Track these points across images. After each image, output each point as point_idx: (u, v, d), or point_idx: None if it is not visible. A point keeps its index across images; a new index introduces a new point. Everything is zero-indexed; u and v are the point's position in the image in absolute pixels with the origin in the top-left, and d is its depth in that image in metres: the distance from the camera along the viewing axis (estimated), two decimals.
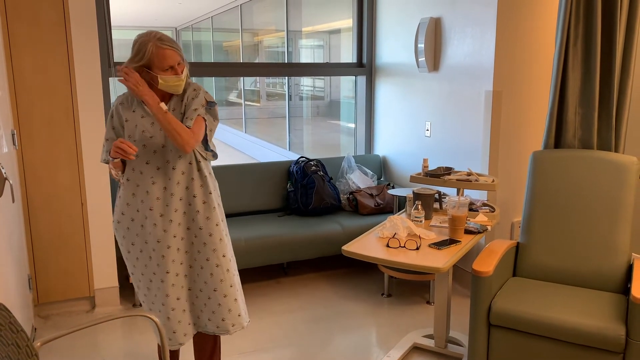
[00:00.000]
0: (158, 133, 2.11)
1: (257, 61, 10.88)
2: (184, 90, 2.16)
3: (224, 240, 2.23)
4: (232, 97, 13.08)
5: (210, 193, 2.19)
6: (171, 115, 2.03)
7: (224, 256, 2.22)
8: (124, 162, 2.19)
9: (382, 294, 3.53)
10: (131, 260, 2.24)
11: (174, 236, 2.15)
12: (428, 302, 3.41)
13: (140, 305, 3.37)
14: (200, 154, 2.18)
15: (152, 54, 2.00)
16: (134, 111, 2.13)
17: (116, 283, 3.33)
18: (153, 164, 2.11)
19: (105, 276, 3.30)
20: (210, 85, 13.94)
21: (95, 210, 3.22)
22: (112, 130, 2.17)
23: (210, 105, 2.18)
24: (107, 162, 2.21)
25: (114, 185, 3.67)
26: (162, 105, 2.02)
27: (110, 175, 3.65)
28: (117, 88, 3.66)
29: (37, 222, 3.10)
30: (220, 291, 2.21)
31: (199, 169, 2.18)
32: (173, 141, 2.04)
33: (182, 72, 2.06)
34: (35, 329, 3.06)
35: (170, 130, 2.01)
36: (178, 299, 2.20)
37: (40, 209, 3.10)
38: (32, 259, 3.14)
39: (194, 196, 2.16)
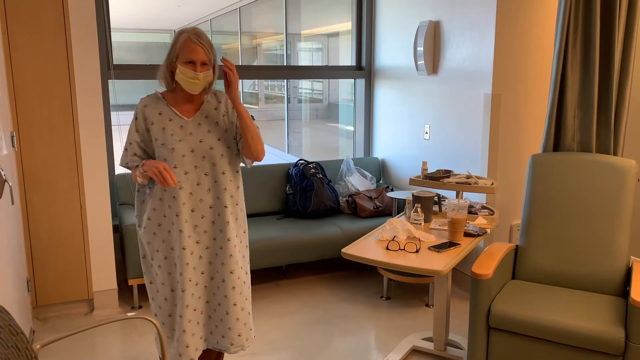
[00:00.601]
0: (187, 137, 2.06)
1: (255, 64, 10.90)
2: (217, 100, 2.13)
3: (246, 255, 2.22)
4: None
5: (237, 204, 2.16)
6: (252, 120, 2.05)
7: (246, 273, 2.21)
8: None
9: (381, 297, 3.53)
10: (153, 268, 2.17)
11: (197, 242, 2.11)
12: (427, 305, 3.41)
13: (140, 307, 3.37)
14: (231, 164, 2.13)
15: (181, 44, 1.98)
16: (160, 114, 2.08)
17: (115, 285, 3.33)
18: (181, 168, 2.05)
19: (104, 278, 3.30)
20: None
21: (94, 212, 3.21)
22: (135, 133, 2.11)
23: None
24: (127, 167, 2.15)
25: (113, 187, 3.67)
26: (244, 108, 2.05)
27: (110, 177, 3.66)
28: (117, 90, 3.66)
29: (35, 224, 3.10)
30: (239, 305, 2.16)
31: (232, 179, 2.14)
32: (249, 148, 2.04)
33: (201, 73, 2.00)
34: (34, 331, 3.05)
35: (252, 136, 2.03)
36: (195, 310, 2.14)
37: (39, 211, 3.09)
38: (30, 261, 3.13)
39: (225, 206, 2.11)
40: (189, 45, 1.97)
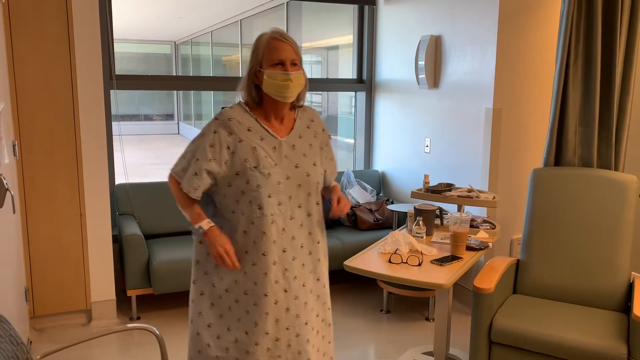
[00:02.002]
0: (283, 161, 1.74)
1: None
2: (308, 116, 1.85)
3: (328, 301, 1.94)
4: None
5: (323, 240, 1.92)
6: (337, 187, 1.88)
7: (328, 308, 1.95)
8: (209, 197, 1.82)
9: (381, 310, 3.52)
10: (216, 308, 1.80)
11: (285, 290, 1.77)
12: (427, 319, 3.40)
13: (138, 318, 3.34)
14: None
15: (265, 45, 1.71)
16: (249, 130, 1.74)
17: (113, 296, 3.30)
18: (275, 198, 1.72)
19: (102, 289, 3.28)
20: (209, 99, 13.98)
21: (94, 222, 3.20)
22: (209, 149, 1.72)
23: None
24: (193, 196, 1.76)
25: (113, 197, 3.66)
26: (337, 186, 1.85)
27: (111, 187, 3.65)
28: (119, 100, 3.67)
29: (35, 233, 3.08)
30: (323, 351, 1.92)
31: (322, 211, 1.88)
32: None
33: (291, 75, 1.69)
34: (31, 342, 3.02)
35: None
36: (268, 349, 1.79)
37: (39, 221, 3.08)
38: (29, 271, 3.11)
39: (318, 242, 1.85)
40: (274, 44, 1.70)
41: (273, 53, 1.69)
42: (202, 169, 1.72)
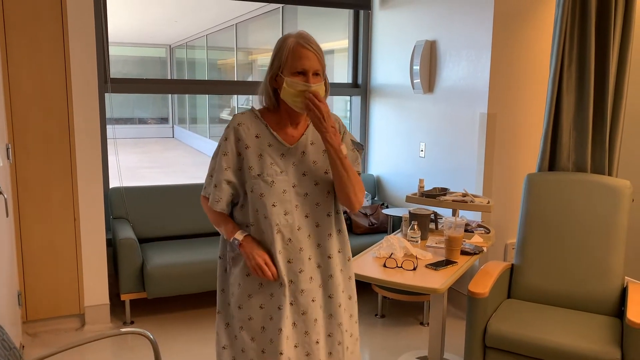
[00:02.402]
0: (290, 168, 1.68)
1: (250, 79, 10.93)
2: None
3: (354, 314, 1.83)
4: (225, 114, 13.10)
5: (349, 260, 1.79)
6: (349, 162, 1.67)
7: (356, 339, 1.84)
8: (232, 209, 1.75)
9: (376, 315, 3.51)
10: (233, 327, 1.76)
11: (291, 303, 1.69)
12: (421, 324, 3.40)
13: (132, 323, 3.33)
14: (337, 203, 1.76)
15: (289, 51, 1.62)
16: (257, 136, 1.68)
17: (107, 300, 3.29)
18: (280, 207, 1.66)
19: (96, 293, 3.26)
20: (204, 102, 13.97)
21: (88, 226, 3.18)
22: (223, 158, 1.68)
23: (357, 147, 1.81)
24: (217, 208, 1.71)
25: (107, 201, 3.64)
26: (343, 147, 1.66)
27: (105, 191, 3.64)
28: (113, 103, 3.66)
29: (28, 237, 3.07)
30: None
31: (337, 223, 1.76)
32: (343, 195, 1.68)
33: (313, 84, 1.62)
34: (23, 346, 3.00)
35: (346, 182, 1.65)
36: None
37: (32, 224, 3.06)
38: (22, 275, 3.09)
39: (329, 257, 1.72)
40: (298, 52, 1.61)
41: (297, 61, 1.61)
42: (220, 180, 1.68)
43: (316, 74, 1.63)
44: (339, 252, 1.76)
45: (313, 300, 1.70)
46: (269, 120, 1.71)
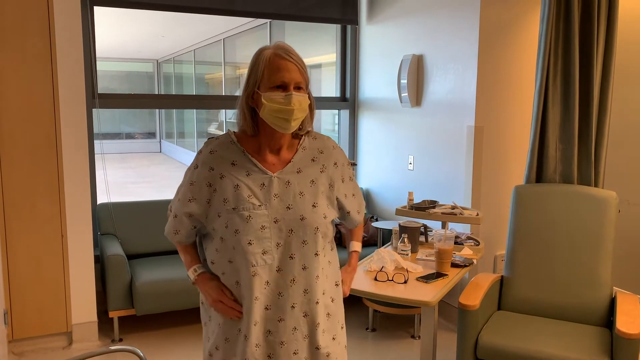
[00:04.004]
0: (271, 201, 1.45)
1: (238, 94, 10.92)
2: (316, 147, 1.55)
3: None
4: (212, 129, 13.09)
5: (333, 299, 1.57)
6: (357, 256, 1.66)
7: None
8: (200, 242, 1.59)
9: (367, 329, 3.50)
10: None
11: (269, 356, 1.50)
12: (412, 337, 3.39)
13: (120, 340, 3.28)
14: (326, 237, 1.53)
15: (265, 63, 1.43)
16: (233, 164, 1.47)
17: (95, 318, 3.24)
18: (258, 245, 1.43)
19: (83, 310, 3.21)
20: (191, 117, 13.95)
21: (76, 242, 3.15)
22: (189, 187, 1.49)
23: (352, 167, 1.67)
24: (174, 241, 1.57)
25: (95, 217, 3.61)
26: (355, 244, 1.65)
27: (93, 206, 3.60)
28: (101, 118, 3.65)
29: (14, 253, 3.02)
30: None
31: (329, 261, 1.55)
32: None
33: (294, 98, 1.41)
34: None
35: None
36: None
37: (18, 240, 3.02)
38: (8, 293, 3.04)
39: (317, 302, 1.50)
40: (276, 63, 1.42)
41: (275, 74, 1.41)
42: (181, 212, 1.51)
43: (298, 87, 1.44)
44: (331, 299, 1.55)
45: (295, 354, 1.48)
46: (248, 146, 1.50)
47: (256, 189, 1.45)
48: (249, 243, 1.43)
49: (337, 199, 1.55)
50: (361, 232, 1.76)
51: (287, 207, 1.46)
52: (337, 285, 1.58)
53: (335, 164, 1.56)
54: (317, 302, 1.49)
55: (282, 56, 1.42)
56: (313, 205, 1.48)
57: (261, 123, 1.48)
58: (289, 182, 1.48)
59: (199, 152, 1.52)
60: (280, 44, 1.46)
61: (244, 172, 1.46)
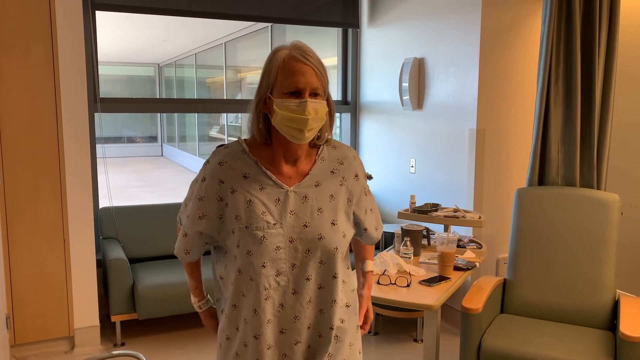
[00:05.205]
0: (286, 219, 1.32)
1: (239, 97, 10.96)
2: (336, 158, 1.41)
3: None
4: (214, 132, 13.10)
5: (348, 321, 1.44)
6: (372, 276, 1.55)
7: None
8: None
9: (369, 332, 3.49)
10: None
11: None
12: (415, 340, 3.38)
13: (123, 344, 3.28)
14: (345, 259, 1.43)
15: (279, 66, 1.29)
16: (246, 177, 1.33)
17: (97, 322, 3.24)
18: (272, 267, 1.32)
19: (85, 315, 3.21)
20: (193, 120, 13.97)
21: (78, 246, 3.15)
22: (198, 203, 1.35)
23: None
24: (186, 261, 1.49)
25: (97, 221, 3.61)
26: (369, 264, 1.54)
27: (95, 211, 3.60)
28: (103, 122, 3.65)
29: (17, 258, 3.02)
30: None
31: (345, 282, 1.42)
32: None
33: (309, 106, 1.27)
34: None
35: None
36: None
37: (21, 245, 3.02)
38: (10, 298, 3.04)
39: (331, 328, 1.38)
40: (290, 65, 1.27)
41: (288, 78, 1.27)
42: (191, 230, 1.38)
43: (315, 93, 1.29)
44: (344, 321, 1.42)
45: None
46: (261, 156, 1.36)
47: (271, 205, 1.31)
48: (263, 266, 1.30)
49: (354, 213, 1.43)
50: (373, 249, 1.65)
51: (304, 225, 1.33)
52: (348, 306, 1.45)
53: (357, 176, 1.43)
54: (332, 329, 1.38)
55: (298, 58, 1.28)
56: (332, 223, 1.35)
57: (275, 131, 1.34)
58: (306, 197, 1.34)
59: (207, 163, 1.37)
60: (297, 43, 1.32)
61: (257, 185, 1.32)
